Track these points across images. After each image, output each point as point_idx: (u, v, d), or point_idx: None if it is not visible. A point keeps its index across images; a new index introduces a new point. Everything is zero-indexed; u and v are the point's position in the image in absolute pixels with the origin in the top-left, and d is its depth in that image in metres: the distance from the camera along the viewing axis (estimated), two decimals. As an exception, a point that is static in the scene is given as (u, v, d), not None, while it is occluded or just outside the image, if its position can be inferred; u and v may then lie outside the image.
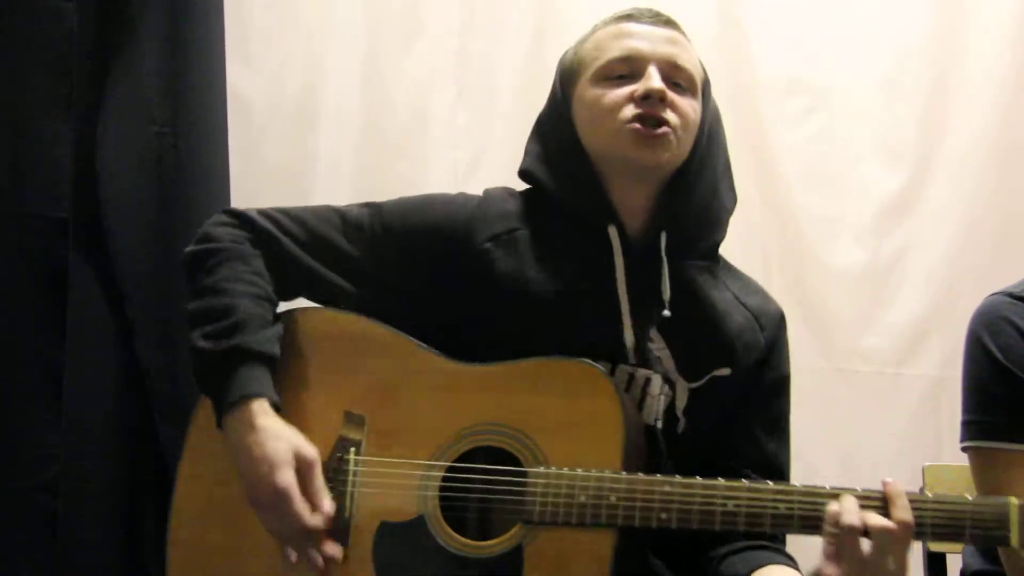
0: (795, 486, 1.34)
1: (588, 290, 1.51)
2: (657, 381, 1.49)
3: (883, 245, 2.54)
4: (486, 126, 2.52)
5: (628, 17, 1.55)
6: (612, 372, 1.48)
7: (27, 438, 1.75)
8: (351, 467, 1.44)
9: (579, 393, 1.41)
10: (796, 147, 2.54)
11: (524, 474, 1.39)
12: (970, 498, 1.29)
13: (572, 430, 1.39)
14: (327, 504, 1.39)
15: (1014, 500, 1.28)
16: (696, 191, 1.54)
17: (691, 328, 1.52)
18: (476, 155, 2.52)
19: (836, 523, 1.28)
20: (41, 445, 1.76)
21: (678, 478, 1.36)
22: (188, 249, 1.53)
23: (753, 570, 1.45)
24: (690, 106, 1.52)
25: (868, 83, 2.56)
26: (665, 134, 1.48)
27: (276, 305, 1.52)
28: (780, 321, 1.60)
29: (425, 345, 1.50)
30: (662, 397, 1.49)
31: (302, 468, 1.39)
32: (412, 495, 1.42)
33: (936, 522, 1.30)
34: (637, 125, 1.48)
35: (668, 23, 1.55)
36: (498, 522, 1.42)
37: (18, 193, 1.77)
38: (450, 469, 1.42)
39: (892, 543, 1.27)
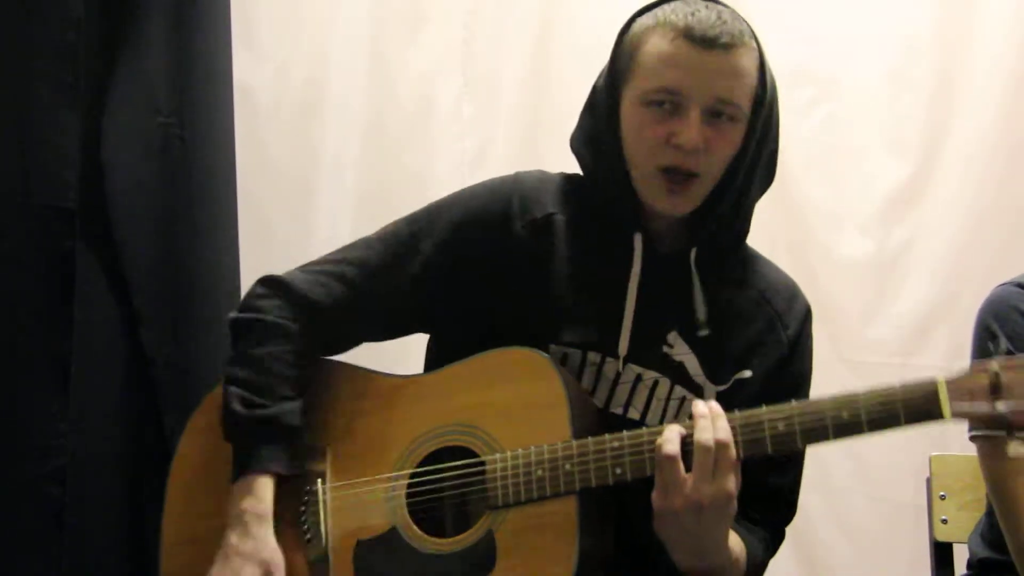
0: (736, 414, 1.35)
1: (604, 290, 1.52)
2: (665, 384, 1.50)
3: (889, 236, 2.54)
4: (492, 117, 2.52)
5: (687, 33, 1.43)
6: (620, 370, 1.49)
7: (34, 428, 1.75)
8: (320, 496, 1.48)
9: (520, 378, 1.44)
10: (802, 138, 2.53)
11: (482, 463, 1.42)
12: (898, 383, 1.32)
13: (519, 414, 1.42)
14: None
15: (941, 377, 1.32)
16: (731, 203, 1.52)
17: (714, 334, 1.52)
18: (482, 146, 2.52)
19: (658, 454, 1.33)
20: (48, 435, 1.76)
21: (625, 432, 1.38)
22: (233, 316, 1.56)
23: None
24: (727, 139, 1.47)
25: (875, 74, 2.56)
26: (692, 184, 1.47)
27: (303, 384, 1.53)
28: (805, 318, 1.59)
29: (368, 368, 1.55)
30: (674, 401, 1.50)
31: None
32: (381, 509, 1.45)
33: (872, 413, 1.32)
34: (664, 178, 1.46)
35: (724, 45, 1.43)
36: (470, 515, 1.44)
37: (25, 183, 1.77)
38: (413, 476, 1.45)
39: (708, 463, 1.31)
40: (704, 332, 1.51)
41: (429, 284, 1.55)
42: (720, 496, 1.31)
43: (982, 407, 1.30)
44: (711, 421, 1.33)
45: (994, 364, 1.30)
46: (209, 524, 1.49)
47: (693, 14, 1.45)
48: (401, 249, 1.55)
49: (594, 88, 1.56)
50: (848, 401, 1.33)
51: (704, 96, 1.44)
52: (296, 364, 1.52)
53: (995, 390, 1.30)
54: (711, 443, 1.32)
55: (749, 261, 1.61)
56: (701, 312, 1.51)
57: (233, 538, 1.44)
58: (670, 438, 1.33)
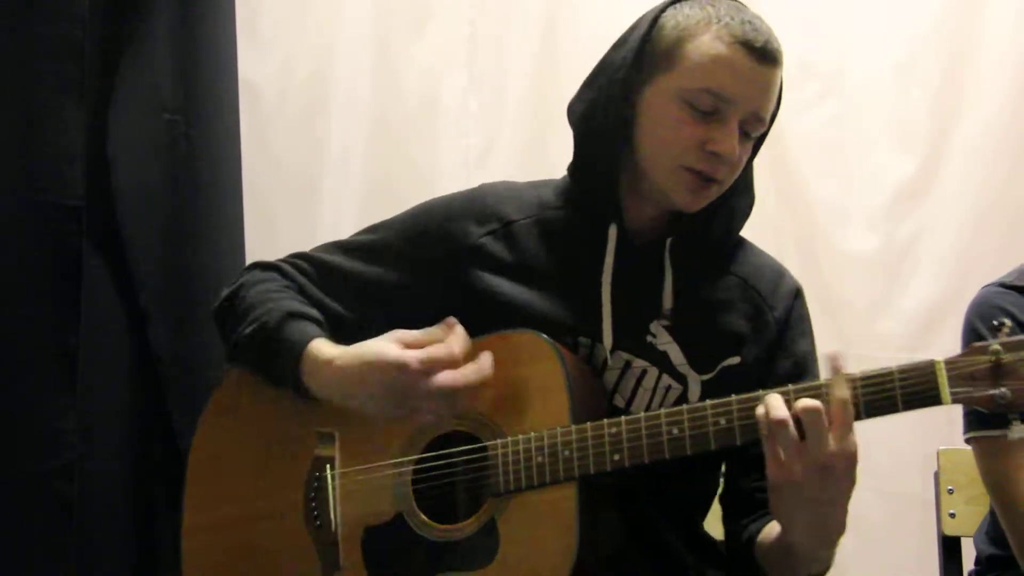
0: (732, 398, 1.34)
1: (581, 280, 1.52)
2: (653, 374, 1.50)
3: (896, 230, 2.54)
4: (498, 112, 2.52)
5: (747, 43, 1.42)
6: (609, 356, 1.49)
7: (42, 424, 1.75)
8: (329, 483, 1.48)
9: (520, 361, 1.43)
10: (808, 132, 2.53)
11: (484, 449, 1.42)
12: (895, 367, 1.29)
13: (520, 398, 1.42)
14: (453, 343, 1.38)
15: (939, 359, 1.28)
16: (715, 205, 1.53)
17: (696, 323, 1.52)
18: (488, 142, 2.52)
19: (766, 422, 1.28)
20: (56, 431, 1.76)
21: (623, 418, 1.38)
22: (214, 307, 1.58)
23: (762, 528, 1.49)
24: (747, 151, 1.49)
25: (881, 68, 2.55)
26: (712, 187, 1.48)
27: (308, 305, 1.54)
28: (794, 299, 1.58)
29: None
30: (661, 390, 1.50)
31: (407, 342, 1.39)
32: (388, 495, 1.45)
33: (868, 397, 1.29)
34: (688, 175, 1.46)
35: (775, 61, 1.44)
36: (476, 500, 1.44)
37: (31, 180, 1.77)
38: (418, 462, 1.45)
39: (825, 423, 1.26)
40: (666, 323, 1.50)
41: (388, 295, 1.56)
42: (849, 455, 1.26)
43: (982, 391, 1.26)
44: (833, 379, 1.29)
45: (995, 344, 1.26)
46: (228, 510, 1.51)
47: (750, 22, 1.44)
48: (362, 260, 1.57)
49: (605, 62, 1.53)
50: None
51: (746, 108, 1.44)
52: (288, 292, 1.53)
53: (996, 372, 1.25)
54: (847, 398, 1.27)
55: (733, 249, 1.60)
56: (668, 301, 1.51)
57: (343, 368, 1.41)
58: (777, 404, 1.28)
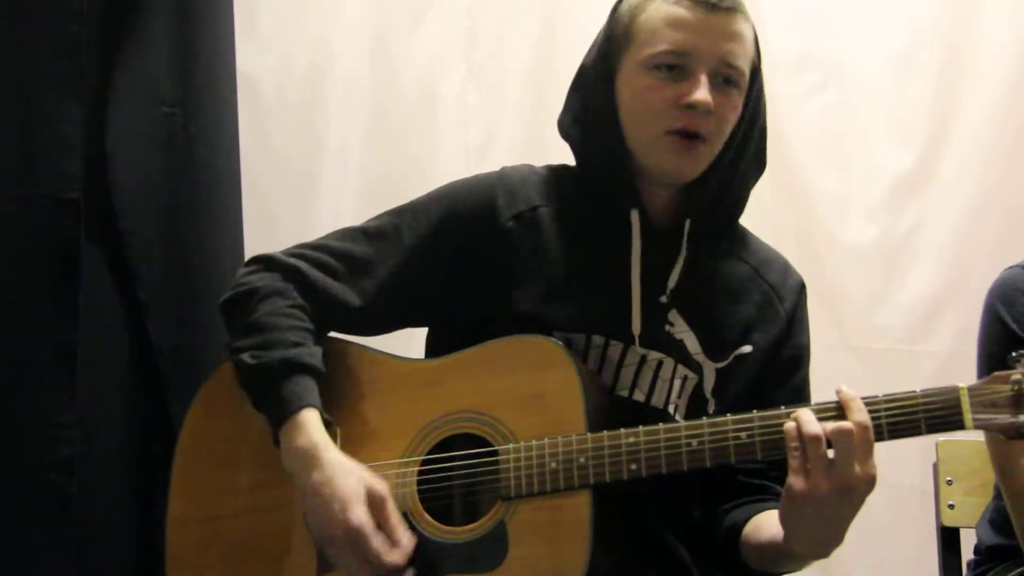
0: (753, 413, 1.35)
1: (603, 272, 1.51)
2: (669, 365, 1.50)
3: (895, 222, 2.55)
4: (497, 105, 2.52)
5: None
6: (624, 352, 1.49)
7: (42, 419, 1.75)
8: None
9: (535, 367, 1.43)
10: (807, 123, 2.53)
11: (495, 453, 1.41)
12: (919, 391, 1.31)
13: (533, 403, 1.42)
14: (406, 539, 1.38)
15: (963, 385, 1.31)
16: (723, 177, 1.52)
17: (712, 310, 1.52)
18: (487, 134, 2.52)
19: (797, 436, 1.28)
20: (56, 426, 1.75)
21: (641, 428, 1.37)
22: (223, 297, 1.55)
23: (751, 517, 1.48)
24: (731, 105, 1.48)
25: (880, 59, 2.56)
26: (699, 146, 1.47)
27: (316, 334, 1.52)
28: (800, 292, 1.59)
29: (382, 351, 1.54)
30: (677, 381, 1.50)
31: (375, 503, 1.38)
32: (392, 495, 1.43)
33: (892, 420, 1.30)
34: (672, 139, 1.46)
35: (730, 9, 1.45)
36: (482, 504, 1.44)
37: (29, 174, 1.76)
38: (424, 462, 1.44)
39: (854, 446, 1.27)
40: (664, 299, 1.50)
41: (413, 279, 1.54)
42: (871, 478, 1.28)
43: (1004, 418, 1.29)
44: (853, 403, 1.30)
45: (1017, 374, 1.29)
46: (217, 502, 1.50)
47: None
48: (384, 244, 1.55)
49: (581, 68, 1.56)
50: (869, 407, 1.30)
51: (711, 58, 1.44)
52: (297, 316, 1.50)
53: (1017, 401, 1.29)
54: (869, 423, 1.28)
55: (740, 238, 1.61)
56: (673, 280, 1.51)
57: (314, 476, 1.39)
58: (810, 419, 1.29)
